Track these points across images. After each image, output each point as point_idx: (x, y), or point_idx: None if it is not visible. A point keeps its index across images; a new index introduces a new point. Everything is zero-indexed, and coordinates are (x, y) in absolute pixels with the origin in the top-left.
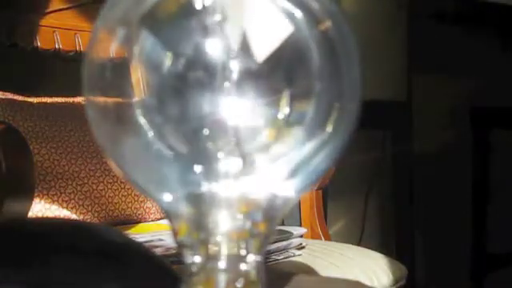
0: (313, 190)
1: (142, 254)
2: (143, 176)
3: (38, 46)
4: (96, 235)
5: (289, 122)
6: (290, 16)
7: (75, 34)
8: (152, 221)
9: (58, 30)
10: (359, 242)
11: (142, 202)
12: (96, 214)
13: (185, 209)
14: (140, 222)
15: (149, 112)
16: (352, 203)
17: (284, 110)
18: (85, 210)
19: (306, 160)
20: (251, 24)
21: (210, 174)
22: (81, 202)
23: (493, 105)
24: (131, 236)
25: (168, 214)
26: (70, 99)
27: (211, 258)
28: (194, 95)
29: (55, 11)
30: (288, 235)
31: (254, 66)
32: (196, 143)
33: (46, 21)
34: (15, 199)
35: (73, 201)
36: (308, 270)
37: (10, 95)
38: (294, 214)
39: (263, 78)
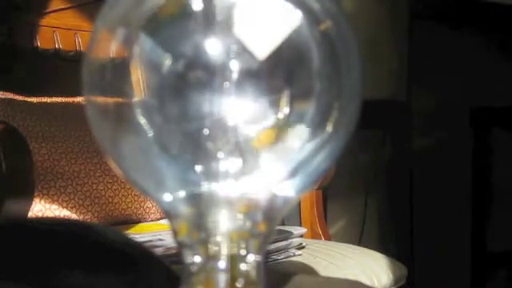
0: (313, 190)
1: (141, 253)
2: (143, 176)
3: (37, 46)
4: (96, 235)
5: (289, 122)
6: (290, 16)
7: (75, 33)
8: (152, 221)
9: (58, 29)
10: (359, 242)
11: (142, 201)
12: (96, 214)
13: (185, 209)
14: (140, 221)
15: (149, 112)
16: (352, 203)
17: (284, 110)
18: (85, 210)
19: (306, 160)
20: (251, 24)
21: (210, 174)
22: (81, 202)
23: (493, 105)
24: (131, 236)
25: (168, 214)
26: (70, 99)
27: (211, 258)
28: (193, 95)
29: (55, 11)
30: (288, 235)
31: (254, 65)
32: (196, 143)
33: (46, 21)
34: (15, 199)
35: (73, 201)
36: (308, 270)
37: (10, 95)
38: (294, 214)
39: (263, 78)
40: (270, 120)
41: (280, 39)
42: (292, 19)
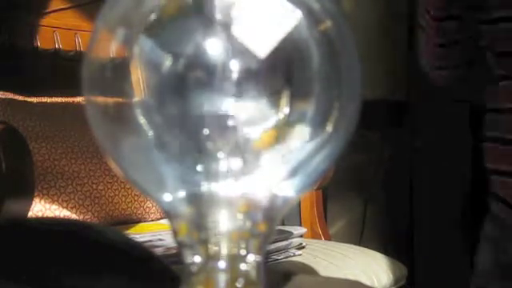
0: (313, 190)
1: (141, 253)
2: (143, 176)
3: (37, 46)
4: (96, 235)
5: (289, 122)
6: (290, 16)
7: (75, 33)
8: (152, 220)
9: (58, 29)
10: (359, 242)
11: (142, 201)
12: (96, 214)
13: (185, 209)
14: (140, 221)
15: (149, 112)
16: (352, 203)
17: (284, 110)
18: (85, 210)
19: (306, 160)
20: (251, 24)
21: (210, 173)
22: (81, 202)
23: None
24: (131, 236)
25: (168, 213)
26: (70, 99)
27: (211, 258)
28: (193, 95)
29: (55, 11)
30: (288, 235)
31: (254, 65)
32: (196, 143)
33: (46, 21)
34: (15, 199)
35: (73, 201)
36: (308, 270)
37: (10, 95)
38: (294, 214)
39: (263, 78)
40: (270, 120)
41: (280, 39)
42: (292, 19)
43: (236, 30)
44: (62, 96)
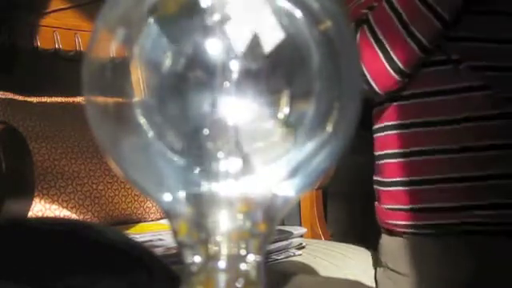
0: (313, 190)
1: (141, 253)
2: (143, 176)
3: (37, 46)
4: (96, 234)
5: (289, 122)
6: (290, 16)
7: (75, 34)
8: (152, 220)
9: (58, 29)
10: (359, 242)
11: (142, 201)
12: (96, 214)
13: (185, 209)
14: (140, 221)
15: (149, 112)
16: (352, 203)
17: (284, 110)
18: (85, 210)
19: (306, 160)
20: (251, 24)
21: (210, 174)
22: (81, 202)
23: None
24: (131, 236)
25: (168, 213)
26: (70, 99)
27: (211, 258)
28: (193, 95)
29: (55, 11)
30: (288, 235)
31: (254, 65)
32: (196, 143)
33: (46, 21)
34: (15, 199)
35: (73, 201)
36: (308, 270)
37: (10, 95)
38: (294, 214)
39: (263, 78)
40: (270, 120)
41: (280, 39)
42: (292, 19)
43: (236, 30)
44: (61, 96)
